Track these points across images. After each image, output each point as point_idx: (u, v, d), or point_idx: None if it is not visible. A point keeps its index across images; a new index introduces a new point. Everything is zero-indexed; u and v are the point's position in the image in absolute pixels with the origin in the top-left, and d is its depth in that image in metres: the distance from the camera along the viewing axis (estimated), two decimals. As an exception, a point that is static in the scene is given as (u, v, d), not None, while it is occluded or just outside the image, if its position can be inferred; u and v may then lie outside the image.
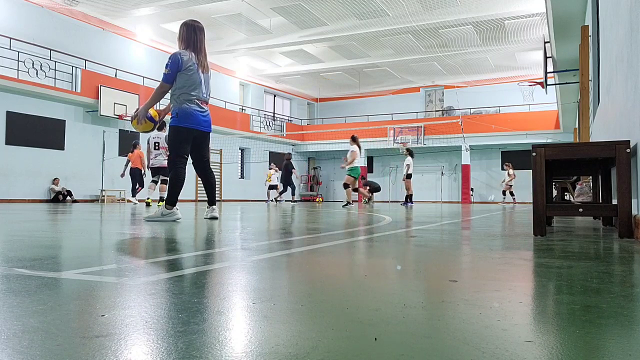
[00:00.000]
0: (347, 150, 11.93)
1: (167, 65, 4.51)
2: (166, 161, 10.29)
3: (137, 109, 4.82)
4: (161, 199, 10.67)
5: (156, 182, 10.84)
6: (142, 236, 2.96)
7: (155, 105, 4.79)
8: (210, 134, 4.88)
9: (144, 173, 12.58)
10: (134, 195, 12.81)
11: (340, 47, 20.68)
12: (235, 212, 7.57)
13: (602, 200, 4.43)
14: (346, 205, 11.11)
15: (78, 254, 2.11)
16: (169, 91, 4.64)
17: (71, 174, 16.32)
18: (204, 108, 4.71)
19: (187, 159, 4.70)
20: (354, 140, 11.85)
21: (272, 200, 19.08)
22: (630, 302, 1.18)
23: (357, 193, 13.13)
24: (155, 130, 10.37)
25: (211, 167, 5.02)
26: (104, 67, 17.56)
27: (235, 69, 23.72)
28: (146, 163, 11.66)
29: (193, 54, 4.62)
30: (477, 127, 23.09)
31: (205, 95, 4.73)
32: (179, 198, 4.72)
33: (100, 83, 16.62)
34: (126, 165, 12.64)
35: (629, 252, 2.25)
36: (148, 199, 10.84)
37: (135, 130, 5.13)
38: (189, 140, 4.67)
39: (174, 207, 4.63)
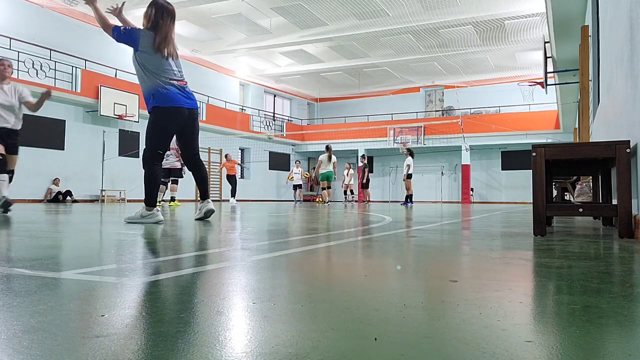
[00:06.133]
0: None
1: (128, 29, 4.27)
2: (177, 162, 10.48)
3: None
4: (172, 199, 10.82)
5: (165, 184, 10.87)
6: (142, 236, 2.96)
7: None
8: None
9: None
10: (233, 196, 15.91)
11: (340, 47, 20.68)
12: (235, 212, 7.57)
13: (602, 200, 4.43)
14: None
15: (78, 254, 2.11)
16: (139, 76, 4.34)
17: (71, 174, 16.32)
18: (182, 87, 4.35)
19: (163, 155, 4.39)
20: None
21: (299, 201, 19.30)
22: (630, 302, 1.18)
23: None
24: None
25: (201, 160, 4.77)
26: (104, 67, 17.55)
27: (235, 69, 23.72)
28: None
29: (153, 38, 4.27)
30: (477, 127, 23.08)
31: (177, 76, 4.36)
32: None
33: (100, 83, 16.62)
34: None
35: (629, 252, 2.25)
36: (157, 201, 10.83)
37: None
38: (174, 127, 4.35)
39: (154, 208, 4.29)
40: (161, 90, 4.24)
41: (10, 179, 5.97)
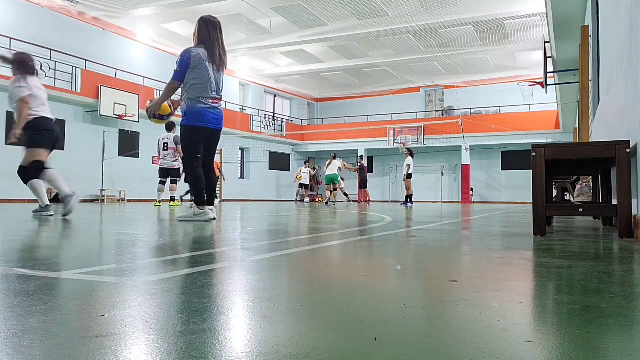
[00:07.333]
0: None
1: (177, 62, 4.54)
2: (175, 162, 10.53)
3: (152, 101, 4.77)
4: (172, 199, 10.84)
5: (164, 184, 10.85)
6: (141, 236, 2.96)
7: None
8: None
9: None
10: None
11: (340, 47, 20.68)
12: (235, 212, 7.57)
13: (602, 200, 4.43)
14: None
15: (78, 254, 2.11)
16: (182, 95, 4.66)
17: (71, 174, 16.29)
18: (213, 105, 4.63)
19: (201, 158, 4.71)
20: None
21: (300, 200, 19.32)
22: (630, 302, 1.18)
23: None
24: (165, 131, 10.53)
25: (214, 167, 5.03)
26: (104, 67, 17.55)
27: (235, 69, 23.72)
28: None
29: (205, 51, 4.57)
30: (477, 127, 23.08)
31: (215, 93, 4.65)
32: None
33: (100, 83, 16.61)
34: None
35: (629, 252, 2.25)
36: (157, 201, 10.75)
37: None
38: (201, 139, 4.64)
39: (207, 207, 4.62)
40: (194, 107, 4.54)
41: (21, 176, 5.94)
